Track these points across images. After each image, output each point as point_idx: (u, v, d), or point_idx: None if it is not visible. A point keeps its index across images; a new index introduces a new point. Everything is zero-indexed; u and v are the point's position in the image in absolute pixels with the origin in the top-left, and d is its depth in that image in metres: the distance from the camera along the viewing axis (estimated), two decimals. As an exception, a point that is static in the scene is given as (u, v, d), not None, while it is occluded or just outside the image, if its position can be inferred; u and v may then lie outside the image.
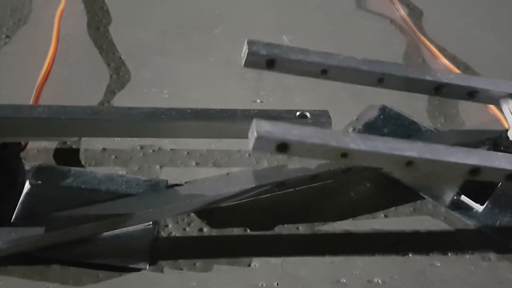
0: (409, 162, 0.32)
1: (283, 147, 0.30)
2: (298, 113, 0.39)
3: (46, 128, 0.36)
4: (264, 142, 0.30)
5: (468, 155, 0.34)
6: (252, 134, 0.30)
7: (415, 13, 0.67)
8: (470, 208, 0.43)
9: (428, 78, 0.40)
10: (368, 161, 0.33)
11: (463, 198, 0.44)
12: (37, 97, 0.49)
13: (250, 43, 0.37)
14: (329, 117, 0.39)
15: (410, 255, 0.40)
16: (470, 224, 0.43)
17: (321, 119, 0.39)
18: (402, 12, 0.67)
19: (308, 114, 0.39)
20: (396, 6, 0.68)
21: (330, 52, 0.39)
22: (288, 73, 0.38)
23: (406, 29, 0.64)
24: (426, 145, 0.33)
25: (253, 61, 0.37)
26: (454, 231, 0.42)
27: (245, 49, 0.36)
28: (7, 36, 0.57)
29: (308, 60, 0.38)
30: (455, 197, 0.44)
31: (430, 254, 0.40)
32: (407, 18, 0.65)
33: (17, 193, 0.39)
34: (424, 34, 0.63)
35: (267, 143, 0.30)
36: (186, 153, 0.46)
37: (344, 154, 0.31)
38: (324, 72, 0.38)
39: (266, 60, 0.37)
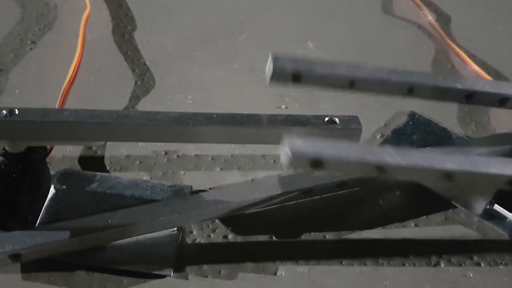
0: (449, 175, 0.31)
1: (318, 164, 0.29)
2: (326, 119, 0.38)
3: (73, 132, 0.36)
4: (298, 160, 0.29)
5: (508, 165, 0.33)
6: (285, 152, 0.29)
7: (443, 19, 0.66)
8: (504, 218, 0.42)
9: (459, 86, 0.39)
10: (406, 175, 0.32)
11: (497, 207, 0.42)
12: (63, 102, 0.49)
13: (275, 59, 0.35)
14: (359, 123, 0.38)
15: (442, 266, 0.39)
16: (504, 234, 0.41)
17: (351, 125, 0.38)
18: (430, 17, 0.65)
19: (337, 120, 0.38)
20: (423, 11, 0.66)
21: (357, 64, 0.38)
22: (315, 87, 0.38)
23: (434, 35, 0.63)
24: (464, 157, 0.32)
25: (278, 77, 0.36)
26: (488, 241, 0.41)
27: (269, 65, 0.35)
28: (33, 42, 0.58)
29: (336, 73, 0.37)
30: (488, 206, 0.42)
31: (463, 264, 0.39)
32: (435, 24, 0.64)
33: (42, 197, 0.39)
34: (453, 40, 0.62)
35: (302, 161, 0.29)
36: (210, 158, 0.46)
37: (381, 169, 0.30)
38: (352, 85, 0.37)
39: (292, 75, 0.36)
